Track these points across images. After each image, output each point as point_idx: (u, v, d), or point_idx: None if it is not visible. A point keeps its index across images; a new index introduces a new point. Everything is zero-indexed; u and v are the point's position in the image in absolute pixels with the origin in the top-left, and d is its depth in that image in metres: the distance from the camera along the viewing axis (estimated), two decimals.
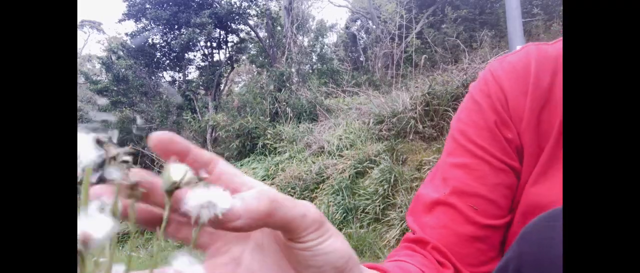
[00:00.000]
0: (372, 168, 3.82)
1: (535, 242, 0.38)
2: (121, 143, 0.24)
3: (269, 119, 6.07)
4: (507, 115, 0.54)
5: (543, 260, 0.37)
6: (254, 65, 9.11)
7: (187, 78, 8.50)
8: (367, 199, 3.45)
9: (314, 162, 4.42)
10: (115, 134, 0.24)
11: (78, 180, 0.21)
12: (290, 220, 0.27)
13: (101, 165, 0.23)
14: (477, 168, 0.55)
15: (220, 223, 0.25)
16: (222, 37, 8.33)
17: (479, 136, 0.55)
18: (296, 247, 0.28)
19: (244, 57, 9.01)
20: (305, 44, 8.98)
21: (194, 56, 8.56)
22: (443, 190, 0.56)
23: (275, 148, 5.36)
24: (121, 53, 8.62)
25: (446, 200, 0.55)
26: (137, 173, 0.26)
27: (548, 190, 0.50)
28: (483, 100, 0.56)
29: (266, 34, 8.40)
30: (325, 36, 9.82)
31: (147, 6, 7.84)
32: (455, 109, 4.17)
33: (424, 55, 6.71)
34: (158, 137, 0.28)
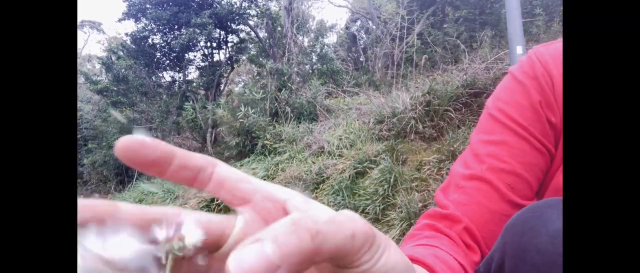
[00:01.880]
0: (372, 168, 3.82)
1: (518, 232, 0.38)
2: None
3: (269, 118, 6.07)
4: (553, 98, 0.54)
5: (526, 248, 0.37)
6: (254, 65, 9.10)
7: (187, 78, 8.50)
8: (367, 199, 3.44)
9: (314, 162, 4.42)
10: None
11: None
12: (339, 248, 0.20)
13: None
14: (516, 146, 0.54)
15: None
16: (222, 37, 8.33)
17: (521, 115, 0.54)
18: None
19: (244, 57, 9.01)
20: (306, 44, 8.98)
21: (194, 56, 8.56)
22: (478, 167, 0.54)
23: (275, 148, 5.35)
24: (121, 53, 8.61)
25: (482, 175, 0.53)
26: None
27: None
28: (528, 81, 0.55)
29: (266, 34, 8.40)
30: (325, 36, 9.82)
31: (147, 6, 7.84)
32: (455, 109, 4.17)
33: (424, 56, 6.71)
34: (124, 144, 0.21)
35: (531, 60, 0.57)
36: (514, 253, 0.38)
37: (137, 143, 0.22)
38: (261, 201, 0.25)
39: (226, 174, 0.25)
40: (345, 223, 0.21)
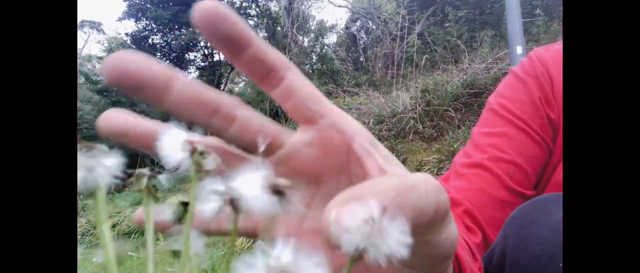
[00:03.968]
0: None
1: (518, 225, 0.40)
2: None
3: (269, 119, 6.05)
4: (552, 96, 0.56)
5: (527, 240, 0.38)
6: None
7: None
8: None
9: None
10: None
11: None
12: (424, 219, 0.18)
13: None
14: (516, 137, 0.55)
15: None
16: None
17: (521, 110, 0.56)
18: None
19: None
20: (305, 44, 8.98)
21: (195, 57, 8.56)
22: (479, 155, 0.56)
23: None
24: None
25: (482, 163, 0.55)
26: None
27: None
28: (529, 79, 0.57)
29: (266, 34, 8.40)
30: (325, 36, 9.82)
31: (148, 6, 7.84)
32: (455, 109, 4.17)
33: (425, 56, 6.71)
34: (204, 10, 0.19)
35: (532, 60, 0.59)
36: (515, 245, 0.39)
37: (218, 13, 0.19)
38: (326, 127, 0.23)
39: (297, 86, 0.22)
40: (433, 195, 0.19)
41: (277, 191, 0.16)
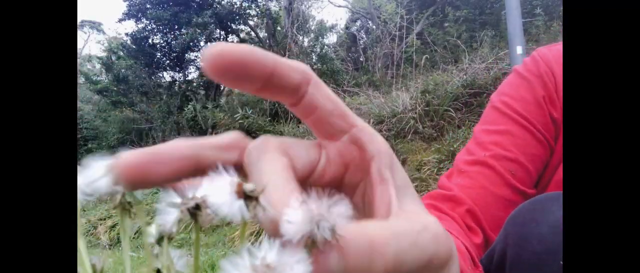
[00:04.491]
0: None
1: (519, 223, 0.40)
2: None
3: (269, 118, 6.06)
4: (555, 95, 0.56)
5: (528, 238, 0.38)
6: None
7: (187, 78, 8.49)
8: None
9: None
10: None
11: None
12: (413, 265, 0.17)
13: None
14: (518, 135, 0.55)
15: None
16: (222, 37, 8.33)
17: (524, 108, 0.56)
18: None
19: None
20: (305, 44, 8.98)
21: (195, 57, 8.56)
22: (481, 153, 0.55)
23: None
24: (121, 53, 8.61)
25: (485, 160, 0.54)
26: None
27: None
28: (532, 78, 0.57)
29: (266, 34, 8.41)
30: (325, 36, 9.82)
31: (148, 6, 7.84)
32: (455, 109, 4.17)
33: (425, 56, 6.71)
34: (211, 55, 0.18)
35: (535, 59, 0.58)
36: (516, 243, 0.39)
37: (226, 60, 0.18)
38: (348, 144, 0.22)
39: (320, 102, 0.21)
40: (427, 248, 0.18)
41: (246, 196, 0.17)
